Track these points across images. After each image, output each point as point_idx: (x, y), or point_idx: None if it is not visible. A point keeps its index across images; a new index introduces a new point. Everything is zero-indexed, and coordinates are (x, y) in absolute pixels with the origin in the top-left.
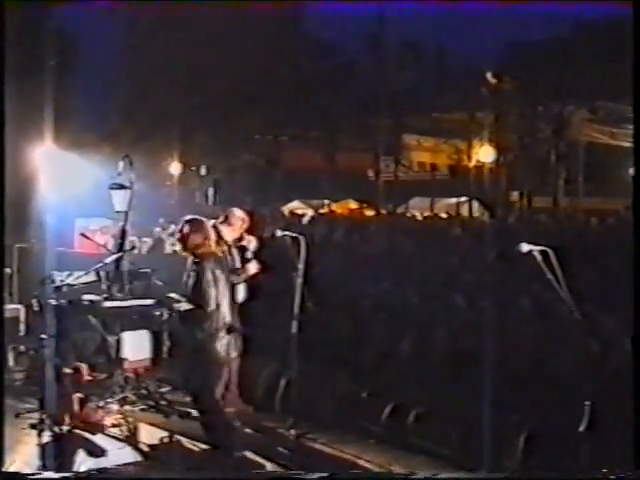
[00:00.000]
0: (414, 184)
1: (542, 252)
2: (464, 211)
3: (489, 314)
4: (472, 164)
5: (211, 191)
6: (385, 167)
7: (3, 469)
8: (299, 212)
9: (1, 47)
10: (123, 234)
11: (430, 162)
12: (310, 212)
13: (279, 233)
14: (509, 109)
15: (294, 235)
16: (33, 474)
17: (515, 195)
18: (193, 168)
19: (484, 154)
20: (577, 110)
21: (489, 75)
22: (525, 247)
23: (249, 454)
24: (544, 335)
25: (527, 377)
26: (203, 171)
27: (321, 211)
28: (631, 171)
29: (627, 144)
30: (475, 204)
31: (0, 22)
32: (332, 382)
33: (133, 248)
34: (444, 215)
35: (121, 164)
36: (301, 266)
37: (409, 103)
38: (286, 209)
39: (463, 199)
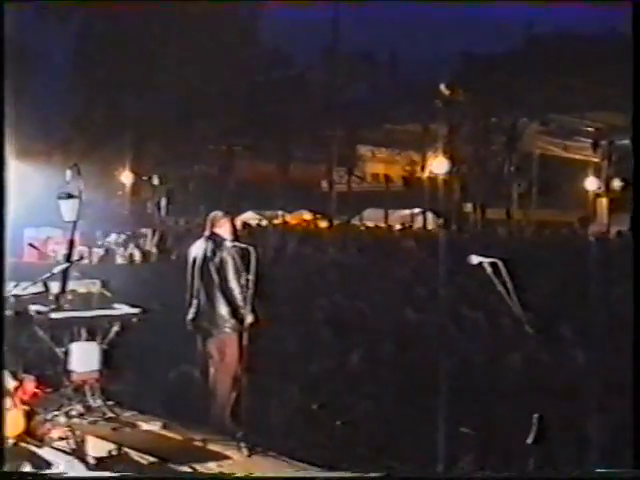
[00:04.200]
0: (368, 195)
1: (492, 264)
2: (418, 222)
3: (441, 327)
4: (426, 175)
5: (164, 201)
6: (339, 178)
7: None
8: (253, 222)
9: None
10: (71, 244)
11: (384, 173)
12: (264, 222)
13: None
14: (463, 121)
15: (244, 246)
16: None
17: (469, 207)
18: (145, 178)
19: (438, 165)
20: (530, 122)
21: (443, 86)
22: (475, 259)
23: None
24: (495, 347)
25: (478, 389)
26: (155, 181)
27: (275, 222)
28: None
29: (580, 157)
30: (429, 215)
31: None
32: (283, 394)
33: (82, 258)
34: (398, 226)
35: (69, 173)
36: (251, 277)
37: (363, 114)
38: (239, 220)
39: (417, 210)
